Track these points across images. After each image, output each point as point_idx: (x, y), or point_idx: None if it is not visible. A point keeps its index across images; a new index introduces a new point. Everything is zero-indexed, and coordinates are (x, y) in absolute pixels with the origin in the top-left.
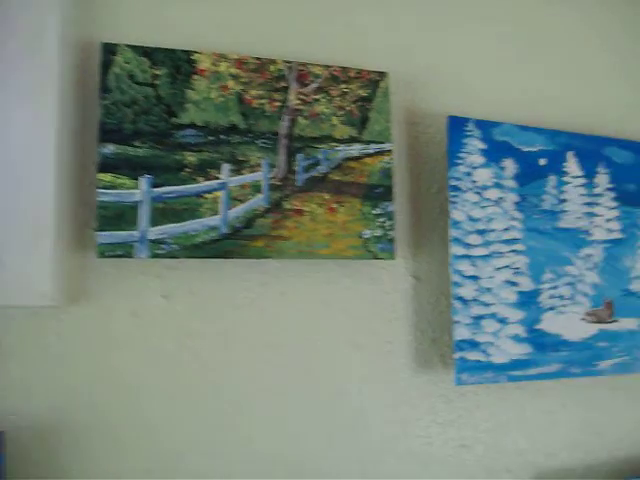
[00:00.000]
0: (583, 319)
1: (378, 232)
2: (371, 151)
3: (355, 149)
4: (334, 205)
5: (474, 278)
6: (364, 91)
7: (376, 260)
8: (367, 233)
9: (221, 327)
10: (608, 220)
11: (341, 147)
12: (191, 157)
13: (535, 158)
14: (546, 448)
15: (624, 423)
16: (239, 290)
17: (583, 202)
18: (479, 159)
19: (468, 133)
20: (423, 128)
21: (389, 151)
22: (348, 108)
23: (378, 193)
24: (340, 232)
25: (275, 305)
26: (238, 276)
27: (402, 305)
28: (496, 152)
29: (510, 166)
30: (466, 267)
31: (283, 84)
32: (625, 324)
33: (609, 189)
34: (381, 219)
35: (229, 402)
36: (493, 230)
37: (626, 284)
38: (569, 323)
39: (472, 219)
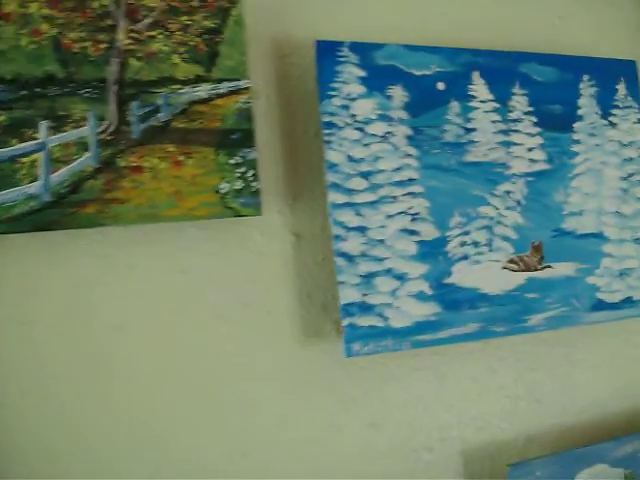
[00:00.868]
0: (505, 268)
1: (238, 184)
2: (223, 91)
3: (203, 90)
4: (180, 157)
5: (360, 229)
6: (211, 22)
7: (243, 218)
8: (224, 187)
9: (60, 311)
10: (530, 149)
11: (185, 89)
12: (0, 116)
13: (431, 82)
14: (475, 421)
15: (567, 386)
16: (78, 266)
17: (496, 130)
18: (358, 89)
19: (342, 59)
20: (296, 60)
21: (246, 89)
22: (192, 43)
23: (235, 139)
24: (189, 188)
25: (122, 280)
26: (75, 250)
27: (282, 268)
28: (380, 79)
29: (399, 94)
30: (349, 217)
31: (109, 22)
32: (560, 270)
33: (528, 113)
34: (241, 169)
35: (71, 392)
36: (381, 171)
37: (558, 223)
38: (488, 274)
39: (353, 160)
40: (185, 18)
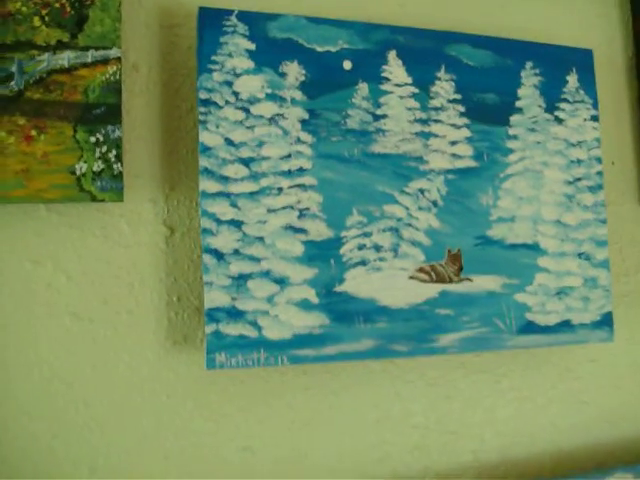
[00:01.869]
0: (413, 277)
1: (97, 165)
2: (89, 60)
3: (65, 58)
4: (32, 132)
5: (235, 224)
6: None
7: (109, 204)
8: (80, 167)
9: None
10: (453, 143)
11: (45, 56)
12: None
13: (335, 60)
14: (372, 451)
15: (489, 418)
16: None
17: (413, 118)
18: (245, 63)
19: (228, 29)
20: (185, 31)
21: (117, 59)
22: (57, 5)
23: (98, 114)
24: (40, 167)
25: None
26: None
27: (150, 264)
28: (272, 53)
29: (294, 72)
30: (222, 209)
31: None
32: (481, 284)
33: (454, 101)
34: (102, 148)
35: None
36: (266, 158)
37: (483, 229)
38: (390, 283)
39: (232, 144)
40: None
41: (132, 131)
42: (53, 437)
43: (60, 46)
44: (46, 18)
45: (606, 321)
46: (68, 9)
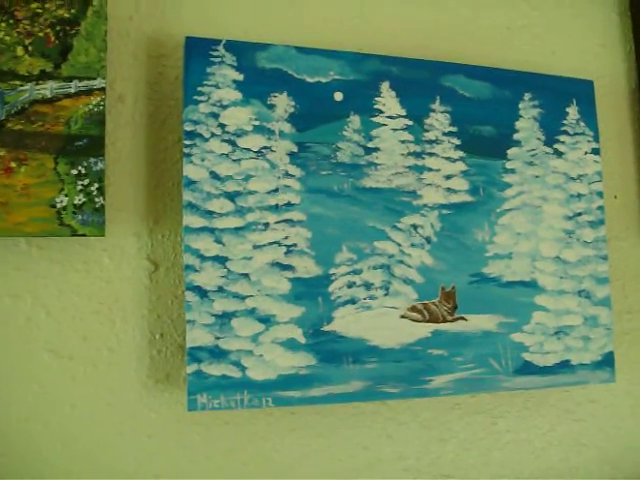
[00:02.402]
0: (405, 317)
1: (78, 199)
2: (72, 90)
3: (48, 88)
4: (12, 164)
5: (219, 260)
6: (66, 11)
7: (91, 239)
8: (61, 200)
9: None
10: (448, 177)
11: (27, 86)
12: None
13: (326, 92)
14: None
15: (485, 462)
16: None
17: (406, 152)
18: (232, 94)
19: (215, 59)
20: (173, 62)
21: (101, 89)
22: (41, 34)
23: (80, 146)
24: (20, 199)
25: None
26: None
27: (133, 300)
28: (260, 85)
29: (283, 103)
30: (206, 244)
31: None
32: (476, 323)
33: (449, 133)
34: (84, 181)
35: None
36: (252, 192)
37: (479, 266)
38: (381, 322)
39: (218, 177)
40: (36, 5)
41: (116, 163)
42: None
43: (43, 76)
44: (29, 47)
45: (607, 361)
46: (52, 38)
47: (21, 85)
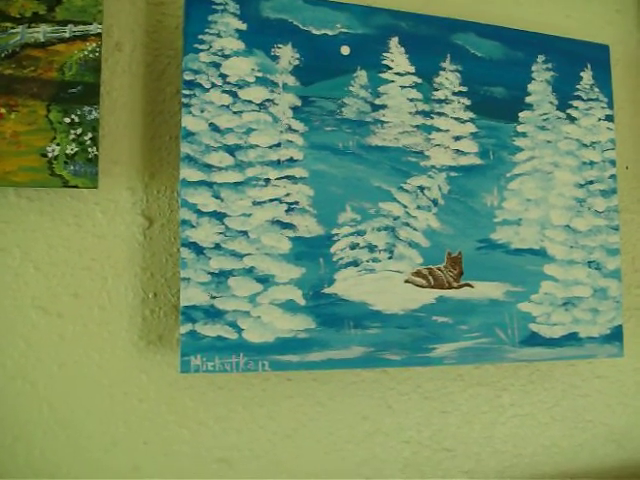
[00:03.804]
0: (409, 281)
1: (71, 148)
2: (67, 35)
3: (40, 31)
4: (2, 110)
5: (217, 216)
6: None
7: (83, 191)
8: (52, 149)
9: None
10: (457, 138)
11: (19, 29)
12: None
13: (332, 45)
14: (360, 468)
15: (487, 435)
16: None
17: (415, 110)
18: (234, 44)
19: (218, 7)
20: (173, 10)
21: (97, 35)
22: None
23: (74, 94)
24: (9, 148)
25: None
26: None
27: (126, 257)
28: (264, 35)
29: (288, 55)
30: (204, 199)
31: None
32: (483, 290)
33: (460, 93)
34: (77, 130)
35: None
36: (253, 146)
37: (487, 232)
38: (384, 286)
39: (218, 129)
40: None
41: (112, 114)
42: (14, 439)
43: (36, 19)
44: None
45: (616, 335)
46: None
47: (12, 27)
